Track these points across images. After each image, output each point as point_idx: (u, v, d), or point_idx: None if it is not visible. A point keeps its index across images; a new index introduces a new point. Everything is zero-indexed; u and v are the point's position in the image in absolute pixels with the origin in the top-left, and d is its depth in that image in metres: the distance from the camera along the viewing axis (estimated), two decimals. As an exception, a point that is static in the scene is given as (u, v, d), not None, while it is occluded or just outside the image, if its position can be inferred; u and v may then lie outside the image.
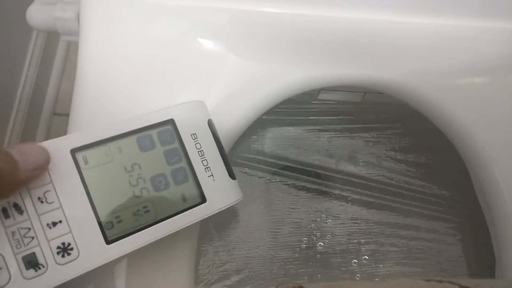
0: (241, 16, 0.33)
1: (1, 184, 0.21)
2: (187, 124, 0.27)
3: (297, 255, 0.46)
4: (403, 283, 0.23)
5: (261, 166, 0.49)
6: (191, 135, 0.27)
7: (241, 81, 0.34)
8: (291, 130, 0.50)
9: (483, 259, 0.45)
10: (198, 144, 0.27)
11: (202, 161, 0.27)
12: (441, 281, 0.23)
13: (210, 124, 0.29)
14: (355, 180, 0.49)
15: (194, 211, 0.26)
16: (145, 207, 0.25)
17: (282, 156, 0.49)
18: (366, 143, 0.50)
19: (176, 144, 0.27)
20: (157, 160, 0.26)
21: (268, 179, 0.49)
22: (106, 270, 0.30)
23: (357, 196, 0.48)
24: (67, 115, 0.32)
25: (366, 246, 0.46)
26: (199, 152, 0.27)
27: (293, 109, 0.49)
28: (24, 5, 0.38)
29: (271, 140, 0.50)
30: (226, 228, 0.46)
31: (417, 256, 0.46)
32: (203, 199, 0.27)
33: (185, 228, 0.28)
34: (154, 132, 0.26)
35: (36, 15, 0.37)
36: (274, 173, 0.49)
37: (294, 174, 0.49)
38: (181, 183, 0.27)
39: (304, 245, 0.46)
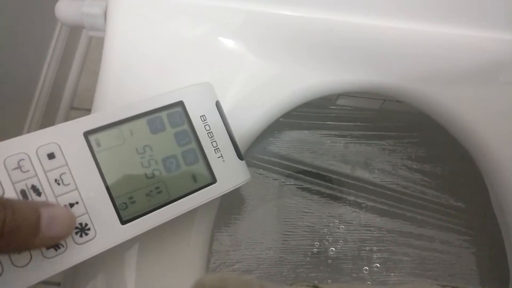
0: (263, 18, 0.34)
1: (12, 242, 0.20)
2: (196, 106, 0.28)
3: (308, 259, 0.46)
4: (418, 286, 0.23)
5: (276, 168, 0.49)
6: (200, 117, 0.28)
7: (260, 83, 0.34)
8: (307, 134, 0.50)
9: (497, 274, 0.44)
10: (207, 125, 0.28)
11: (211, 142, 0.28)
12: None
13: (218, 105, 0.29)
14: (369, 187, 0.48)
15: (205, 191, 0.27)
16: (157, 187, 0.26)
17: (297, 159, 0.49)
18: (382, 150, 0.49)
19: (186, 126, 0.27)
20: (167, 141, 0.27)
21: (282, 182, 0.49)
22: (116, 258, 0.30)
23: (371, 203, 0.48)
24: (84, 109, 0.33)
25: (378, 254, 0.46)
26: (209, 134, 0.28)
27: (311, 113, 0.49)
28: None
29: (287, 143, 0.50)
30: (238, 228, 0.46)
31: (429, 267, 0.45)
32: (213, 180, 0.27)
33: (200, 217, 0.28)
34: (164, 114, 0.27)
35: (65, 9, 0.37)
36: (289, 176, 0.49)
37: (309, 178, 0.49)
38: (192, 164, 0.27)
39: (316, 250, 0.46)
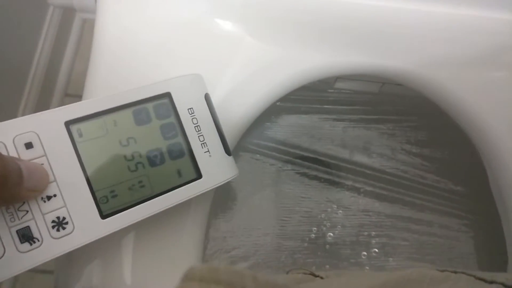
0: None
1: (3, 193, 0.20)
2: (184, 98, 0.27)
3: (306, 244, 0.45)
4: (417, 272, 0.23)
5: (273, 153, 0.48)
6: (188, 109, 0.27)
7: (257, 65, 0.34)
8: (305, 118, 0.49)
9: (495, 258, 0.44)
10: (195, 119, 0.27)
11: (198, 136, 0.27)
12: (455, 272, 0.23)
13: (207, 98, 0.28)
14: (368, 171, 0.48)
15: (189, 186, 0.26)
16: (140, 181, 0.25)
17: (295, 144, 0.49)
18: (381, 134, 0.49)
19: (173, 119, 0.27)
20: (153, 134, 0.26)
21: (279, 167, 0.48)
22: (112, 245, 0.29)
23: (369, 188, 0.48)
24: (79, 96, 0.32)
25: (377, 238, 0.46)
26: (196, 127, 0.27)
27: (309, 96, 0.49)
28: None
29: (285, 128, 0.49)
30: (234, 214, 0.46)
31: (428, 252, 0.45)
32: (199, 175, 0.27)
33: (196, 204, 0.27)
34: (150, 106, 0.26)
35: (53, -10, 0.36)
36: (286, 161, 0.48)
37: (307, 163, 0.48)
38: (177, 158, 0.26)
39: (314, 235, 0.46)
